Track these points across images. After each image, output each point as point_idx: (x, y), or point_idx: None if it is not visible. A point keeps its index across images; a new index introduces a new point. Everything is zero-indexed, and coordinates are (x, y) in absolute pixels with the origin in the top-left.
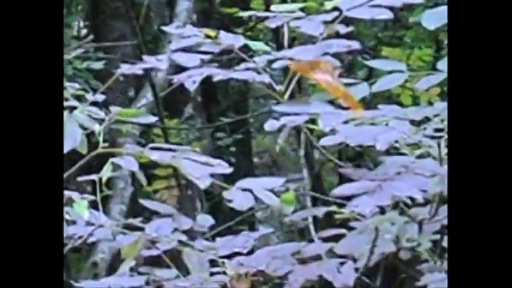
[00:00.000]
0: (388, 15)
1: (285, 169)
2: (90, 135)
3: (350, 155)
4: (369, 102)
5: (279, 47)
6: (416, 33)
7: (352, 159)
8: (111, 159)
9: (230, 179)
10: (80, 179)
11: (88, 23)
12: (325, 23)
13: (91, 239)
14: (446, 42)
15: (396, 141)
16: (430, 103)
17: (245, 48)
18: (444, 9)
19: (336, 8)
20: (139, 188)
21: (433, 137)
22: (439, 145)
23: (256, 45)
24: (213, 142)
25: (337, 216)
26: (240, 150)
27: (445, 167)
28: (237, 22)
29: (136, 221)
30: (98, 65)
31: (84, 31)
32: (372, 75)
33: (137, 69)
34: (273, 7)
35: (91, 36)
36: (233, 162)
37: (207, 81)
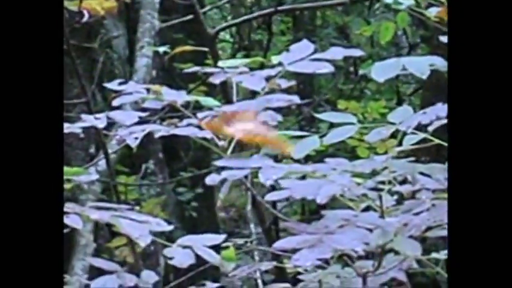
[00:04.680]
0: (329, 68)
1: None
2: None
3: (312, 208)
4: (325, 155)
5: (228, 102)
6: (377, 85)
7: (315, 212)
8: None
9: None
10: None
11: None
12: (269, 78)
13: None
14: (406, 93)
15: (342, 195)
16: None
17: (196, 104)
18: (394, 61)
19: (279, 63)
20: (101, 244)
21: (375, 189)
22: (380, 198)
23: (206, 101)
24: (174, 197)
25: (288, 270)
26: (202, 205)
27: (387, 219)
28: (192, 78)
29: (83, 278)
30: None
31: None
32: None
33: (75, 128)
34: (220, 63)
35: None
36: (195, 217)
37: (168, 138)
